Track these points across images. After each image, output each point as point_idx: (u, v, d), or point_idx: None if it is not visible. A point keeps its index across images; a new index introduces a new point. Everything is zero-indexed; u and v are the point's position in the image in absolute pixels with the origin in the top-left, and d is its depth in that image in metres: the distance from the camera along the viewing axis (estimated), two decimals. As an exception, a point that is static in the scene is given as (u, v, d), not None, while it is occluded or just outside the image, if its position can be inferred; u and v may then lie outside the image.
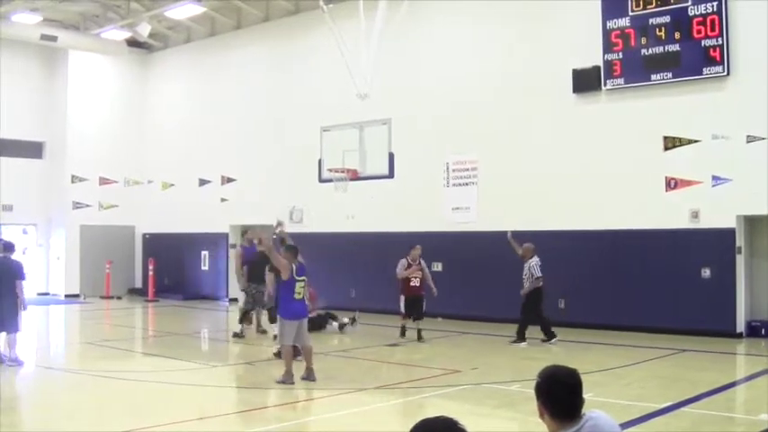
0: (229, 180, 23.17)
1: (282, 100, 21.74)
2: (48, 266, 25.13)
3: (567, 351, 13.27)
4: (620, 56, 15.51)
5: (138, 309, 22.42)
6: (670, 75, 14.91)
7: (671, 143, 15.04)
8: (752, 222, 14.74)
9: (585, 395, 3.35)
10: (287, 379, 10.18)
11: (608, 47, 15.63)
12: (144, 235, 25.83)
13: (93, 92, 25.23)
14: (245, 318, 15.17)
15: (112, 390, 10.39)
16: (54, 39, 22.42)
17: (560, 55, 16.44)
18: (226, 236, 23.10)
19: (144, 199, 25.58)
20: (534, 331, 14.04)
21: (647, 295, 15.06)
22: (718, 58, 14.31)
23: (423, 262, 14.89)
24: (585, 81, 15.99)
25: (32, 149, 25.01)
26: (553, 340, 13.90)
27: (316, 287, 14.37)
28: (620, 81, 15.56)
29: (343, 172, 18.84)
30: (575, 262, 15.96)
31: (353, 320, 16.32)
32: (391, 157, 19.22)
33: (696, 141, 14.76)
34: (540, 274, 13.97)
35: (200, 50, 24.27)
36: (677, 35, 14.76)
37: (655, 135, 15.15)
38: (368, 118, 19.11)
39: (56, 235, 25.04)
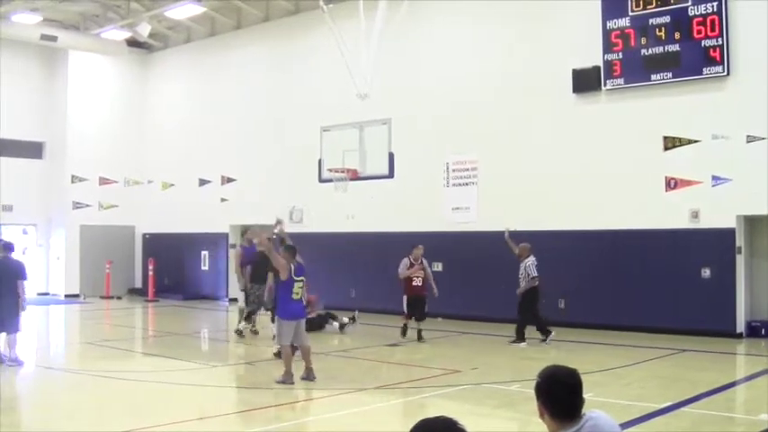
0: (229, 180, 23.17)
1: (282, 100, 21.74)
2: (48, 266, 25.13)
3: (567, 351, 13.27)
4: (620, 56, 15.51)
5: (138, 309, 22.42)
6: (670, 75, 14.91)
7: (671, 143, 15.04)
8: (752, 222, 14.74)
9: (585, 395, 3.35)
10: (287, 379, 10.18)
11: (608, 47, 15.63)
12: (144, 235, 25.83)
13: (93, 92, 25.23)
14: (249, 317, 15.19)
15: (112, 390, 10.39)
16: (54, 39, 22.42)
17: (560, 55, 16.44)
18: (226, 236, 23.10)
19: (144, 199, 25.58)
20: (533, 331, 14.04)
21: (647, 295, 15.06)
22: (718, 58, 14.31)
23: (425, 261, 14.88)
24: (585, 81, 15.99)
25: (32, 149, 25.00)
26: (549, 337, 13.90)
27: (315, 288, 14.35)
28: (620, 81, 15.57)
29: (343, 172, 18.84)
30: (575, 262, 15.96)
31: (353, 319, 16.31)
32: (391, 157, 19.22)
33: (696, 141, 14.76)
34: (535, 274, 13.97)
35: (200, 50, 24.27)
36: (677, 35, 14.76)
37: (655, 135, 15.15)
38: (368, 118, 19.11)
39: (56, 235, 25.03)
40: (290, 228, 16.58)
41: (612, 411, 4.07)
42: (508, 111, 17.24)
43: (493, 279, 16.57)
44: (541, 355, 12.74)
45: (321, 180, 20.43)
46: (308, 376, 10.42)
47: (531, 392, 3.44)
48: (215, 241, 23.47)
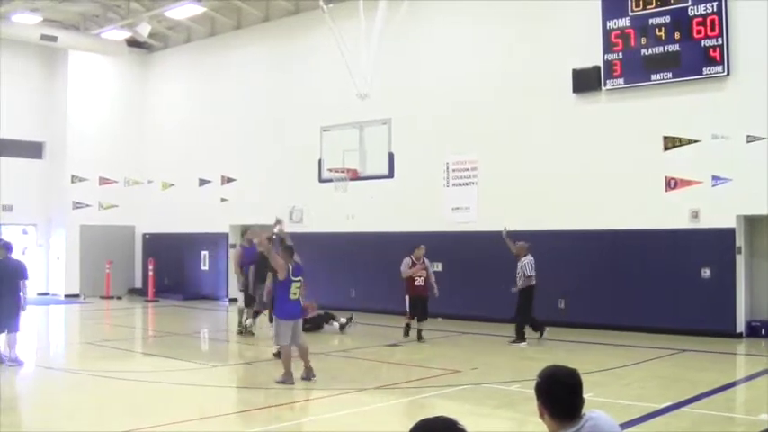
0: (229, 180, 23.17)
1: (282, 100, 21.74)
2: (48, 266, 25.13)
3: (567, 351, 13.28)
4: (620, 56, 15.51)
5: (138, 309, 22.42)
6: (670, 75, 14.91)
7: (671, 143, 15.04)
8: (752, 222, 14.74)
9: (585, 395, 3.35)
10: (287, 379, 10.18)
11: (608, 47, 15.63)
12: (144, 235, 25.83)
13: (93, 92, 25.23)
14: (256, 315, 15.23)
15: (112, 390, 10.39)
16: (54, 39, 22.42)
17: (560, 55, 16.44)
18: (226, 236, 23.10)
19: (144, 199, 25.58)
20: (530, 331, 14.06)
21: (647, 295, 15.06)
22: (718, 58, 14.31)
23: (427, 261, 14.86)
24: (585, 81, 15.99)
25: (32, 149, 25.00)
26: (544, 333, 13.94)
27: (315, 288, 14.34)
28: (620, 81, 15.57)
29: (343, 172, 18.85)
30: (575, 262, 15.96)
31: (350, 320, 16.23)
32: (391, 157, 19.22)
33: (696, 141, 14.76)
34: (531, 273, 13.97)
35: (200, 50, 24.28)
36: (677, 35, 14.76)
37: (655, 135, 15.15)
38: (368, 118, 19.11)
39: (56, 235, 25.03)
40: (290, 228, 16.58)
41: (612, 411, 4.07)
42: (508, 111, 17.24)
43: (493, 279, 16.56)
44: (541, 355, 12.74)
45: (321, 180, 20.43)
46: (308, 375, 10.43)
47: (531, 392, 3.44)
48: (215, 241, 23.47)
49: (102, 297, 23.90)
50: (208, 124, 23.74)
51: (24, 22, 22.28)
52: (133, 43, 24.56)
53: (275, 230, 13.19)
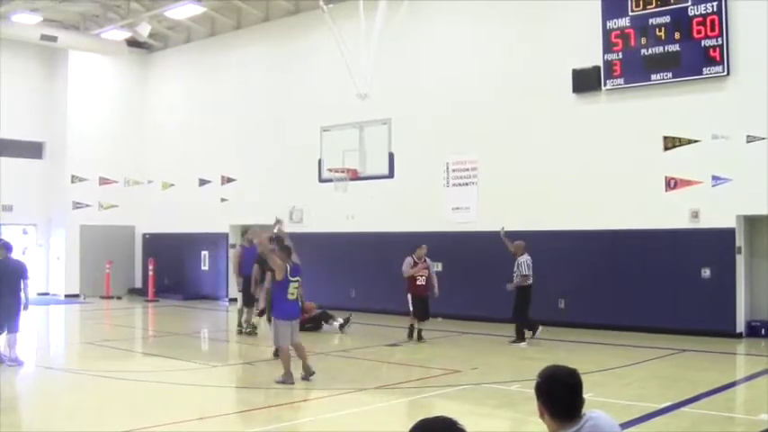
0: (229, 180, 23.17)
1: (282, 100, 21.74)
2: (48, 266, 25.13)
3: (567, 351, 13.27)
4: (620, 56, 15.51)
5: (138, 309, 22.42)
6: (670, 75, 14.91)
7: (671, 143, 15.04)
8: (752, 222, 14.74)
9: (585, 395, 3.35)
10: (287, 379, 10.18)
11: (608, 47, 15.63)
12: (144, 235, 25.83)
13: (93, 92, 25.23)
14: (262, 314, 15.24)
15: (112, 390, 10.39)
16: (54, 39, 22.42)
17: (560, 55, 16.44)
18: (226, 236, 23.10)
19: (144, 199, 25.59)
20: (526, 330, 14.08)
21: (647, 295, 15.06)
22: (718, 58, 14.31)
23: (428, 261, 14.82)
24: (585, 81, 15.99)
25: (32, 149, 25.00)
26: (537, 332, 13.95)
27: (316, 288, 14.36)
28: (620, 81, 15.56)
29: (343, 172, 18.85)
30: (575, 262, 15.96)
31: (347, 321, 16.14)
32: (391, 157, 19.22)
33: (696, 141, 14.76)
34: (526, 273, 13.96)
35: (200, 50, 24.28)
36: (677, 35, 14.76)
37: (655, 135, 15.15)
38: (368, 118, 19.11)
39: (56, 235, 25.03)
40: (290, 228, 16.60)
41: (612, 411, 4.07)
42: (508, 111, 17.24)
43: (493, 279, 16.52)
44: (541, 355, 12.73)
45: (321, 180, 20.43)
46: (306, 373, 10.43)
47: (531, 392, 3.44)
48: (215, 241, 23.47)
49: (102, 297, 23.90)
50: (208, 124, 23.74)
51: (24, 22, 22.28)
52: (133, 43, 24.56)
53: (275, 230, 13.19)
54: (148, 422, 8.15)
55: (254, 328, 15.36)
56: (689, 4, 14.59)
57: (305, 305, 15.33)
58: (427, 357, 13.16)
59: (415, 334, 14.51)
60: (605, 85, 15.75)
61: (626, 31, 15.43)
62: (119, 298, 24.34)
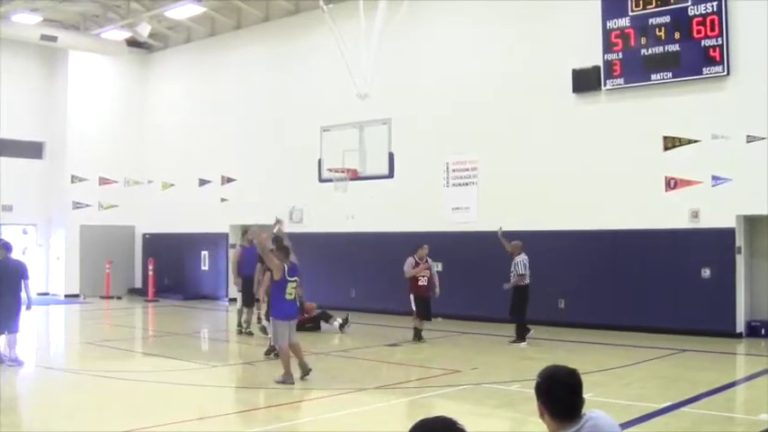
0: (229, 180, 23.18)
1: (282, 100, 21.74)
2: (48, 266, 25.13)
3: (567, 351, 13.27)
4: (620, 56, 15.51)
5: (138, 309, 22.42)
6: (670, 75, 14.91)
7: (671, 143, 15.04)
8: (752, 222, 14.74)
9: (585, 395, 3.35)
10: (286, 379, 10.18)
11: (608, 47, 15.63)
12: (144, 235, 25.83)
13: (93, 92, 25.23)
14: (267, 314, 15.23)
15: (112, 390, 10.38)
16: (54, 39, 22.42)
17: (560, 55, 16.44)
18: (226, 236, 23.10)
19: (144, 199, 25.59)
20: (534, 331, 14.06)
21: (647, 295, 15.06)
22: (717, 58, 14.31)
23: (430, 261, 14.78)
24: (585, 81, 15.99)
25: (32, 149, 25.00)
26: (528, 335, 13.91)
27: (315, 288, 14.35)
28: (620, 81, 15.56)
29: (343, 172, 18.85)
30: (575, 262, 15.96)
31: (346, 321, 16.12)
32: (391, 156, 19.22)
33: (696, 141, 14.76)
34: (523, 272, 13.95)
35: (200, 50, 24.28)
36: (677, 35, 14.76)
37: (655, 135, 15.15)
38: (368, 118, 19.11)
39: (56, 235, 25.03)
40: (289, 228, 16.60)
41: (612, 411, 4.07)
42: (508, 111, 17.24)
43: (493, 279, 16.49)
44: (541, 355, 12.73)
45: (321, 180, 20.43)
46: (304, 371, 10.43)
47: (531, 392, 3.44)
48: (215, 241, 23.47)
49: (102, 297, 23.90)
50: (208, 124, 23.74)
51: (24, 22, 22.28)
52: (133, 43, 24.56)
53: (275, 230, 13.19)
54: (148, 422, 8.15)
55: (262, 326, 15.20)
56: (689, 4, 14.60)
57: (305, 306, 15.34)
58: (427, 357, 13.15)
59: (409, 333, 14.47)
60: (605, 85, 15.75)
61: (626, 30, 15.43)
62: (119, 298, 24.34)
